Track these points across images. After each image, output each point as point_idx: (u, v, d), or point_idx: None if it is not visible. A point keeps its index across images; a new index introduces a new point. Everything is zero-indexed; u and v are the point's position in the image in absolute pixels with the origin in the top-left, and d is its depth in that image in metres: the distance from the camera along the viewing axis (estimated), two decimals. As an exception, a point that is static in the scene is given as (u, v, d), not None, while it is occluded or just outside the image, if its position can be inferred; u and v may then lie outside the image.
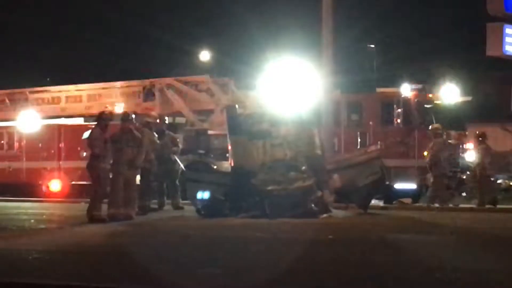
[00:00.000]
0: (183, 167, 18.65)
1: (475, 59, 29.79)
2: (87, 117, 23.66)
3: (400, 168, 20.03)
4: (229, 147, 16.93)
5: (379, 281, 7.61)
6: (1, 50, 42.21)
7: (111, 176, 14.80)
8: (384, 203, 19.08)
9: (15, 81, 28.38)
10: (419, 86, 21.08)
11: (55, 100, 24.65)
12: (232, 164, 16.69)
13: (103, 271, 8.26)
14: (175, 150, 18.32)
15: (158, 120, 19.11)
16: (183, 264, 8.64)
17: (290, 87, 17.02)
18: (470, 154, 20.24)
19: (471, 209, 18.33)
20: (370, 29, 36.62)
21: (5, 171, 24.32)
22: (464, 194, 20.20)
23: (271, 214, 14.78)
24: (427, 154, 18.88)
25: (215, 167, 21.10)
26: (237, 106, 18.33)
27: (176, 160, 18.32)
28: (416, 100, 20.47)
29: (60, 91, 24.85)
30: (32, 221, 15.50)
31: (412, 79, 22.37)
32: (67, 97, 24.48)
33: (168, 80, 23.14)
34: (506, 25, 19.37)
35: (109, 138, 14.77)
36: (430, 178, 18.93)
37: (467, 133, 21.46)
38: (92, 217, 14.33)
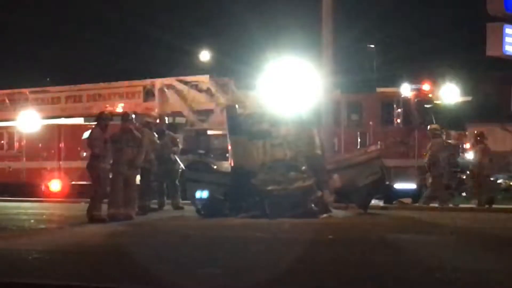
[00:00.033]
0: (183, 167, 18.65)
1: (475, 59, 29.78)
2: (87, 117, 23.68)
3: (400, 168, 20.03)
4: (229, 147, 16.93)
5: (379, 281, 7.61)
6: (1, 50, 42.25)
7: (111, 176, 14.80)
8: (384, 203, 19.07)
9: (15, 81, 28.38)
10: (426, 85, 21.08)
11: (55, 100, 24.64)
12: (232, 164, 16.69)
13: (103, 271, 8.26)
14: (175, 150, 18.33)
15: (158, 120, 19.11)
16: (183, 264, 8.64)
17: (290, 87, 17.02)
18: (470, 154, 20.26)
19: (471, 209, 18.33)
20: (370, 29, 36.64)
21: (5, 171, 24.34)
22: (464, 194, 20.20)
23: (271, 214, 14.77)
24: (426, 154, 18.90)
25: (215, 167, 21.10)
26: (237, 106, 18.32)
27: (176, 160, 18.32)
28: (416, 100, 20.48)
29: (60, 91, 24.85)
30: (32, 221, 15.50)
31: (413, 79, 22.31)
32: (67, 97, 24.48)
33: (168, 80, 23.14)
34: (506, 25, 19.36)
35: (109, 138, 14.77)
36: (428, 178, 18.94)
37: (467, 133, 21.47)
38: (92, 217, 14.33)
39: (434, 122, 19.86)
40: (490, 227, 14.12)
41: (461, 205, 18.96)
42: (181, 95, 22.51)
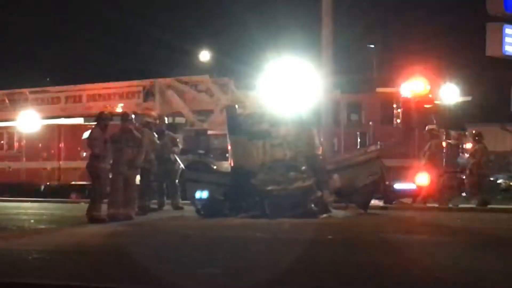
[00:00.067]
0: (183, 167, 18.65)
1: (475, 59, 29.78)
2: (86, 117, 23.69)
3: (400, 168, 20.03)
4: (229, 147, 16.93)
5: (379, 281, 7.61)
6: (1, 50, 42.26)
7: (111, 176, 14.80)
8: (384, 203, 19.07)
9: (15, 81, 28.40)
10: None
11: (54, 100, 24.64)
12: (232, 164, 16.68)
13: (103, 271, 8.26)
14: (175, 150, 18.33)
15: (158, 120, 19.11)
16: (183, 264, 8.64)
17: (290, 87, 17.02)
18: (468, 154, 20.29)
19: (471, 209, 18.33)
20: (370, 29, 36.64)
21: (5, 171, 24.35)
22: (464, 194, 20.21)
23: (271, 214, 14.77)
24: (424, 155, 18.93)
25: (214, 167, 21.10)
26: (237, 106, 18.33)
27: (176, 160, 18.33)
28: (416, 100, 20.48)
29: (60, 91, 24.85)
30: (32, 221, 15.51)
31: (413, 79, 22.28)
32: (66, 97, 24.47)
33: (168, 80, 23.14)
34: (506, 25, 19.38)
35: (109, 138, 14.77)
36: (426, 179, 18.95)
37: (467, 133, 21.48)
38: (92, 217, 14.33)
39: (435, 122, 19.87)
40: (490, 227, 14.12)
41: (461, 205, 18.96)
42: (181, 95, 22.51)
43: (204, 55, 42.49)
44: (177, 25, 41.62)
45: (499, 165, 27.96)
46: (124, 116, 15.67)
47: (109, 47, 42.22)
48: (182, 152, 19.40)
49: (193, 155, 21.48)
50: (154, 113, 20.99)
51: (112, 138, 14.85)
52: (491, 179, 20.23)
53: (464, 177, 19.97)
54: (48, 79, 37.21)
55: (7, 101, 25.23)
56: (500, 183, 24.86)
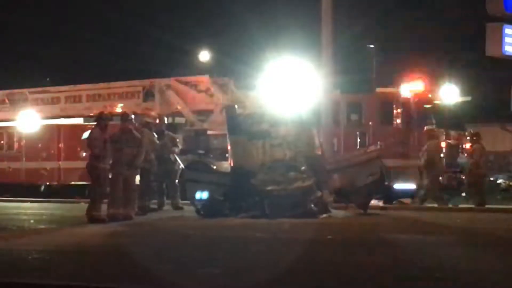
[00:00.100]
0: (183, 167, 18.64)
1: (475, 59, 29.79)
2: (86, 117, 23.69)
3: (400, 168, 20.04)
4: (229, 147, 16.93)
5: (379, 281, 7.61)
6: (1, 50, 42.26)
7: (110, 176, 14.80)
8: (384, 203, 19.08)
9: (15, 81, 28.41)
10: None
11: (54, 100, 24.63)
12: (232, 164, 16.68)
13: (103, 271, 8.26)
14: (175, 150, 18.33)
15: (157, 120, 19.10)
16: (183, 264, 8.64)
17: (289, 87, 17.03)
18: (466, 154, 20.31)
19: (470, 209, 18.33)
20: (370, 29, 36.64)
21: (4, 171, 24.35)
22: (463, 194, 20.22)
23: (270, 214, 14.78)
24: (422, 155, 18.94)
25: (214, 167, 21.09)
26: (236, 106, 18.33)
27: (176, 160, 18.33)
28: (415, 100, 20.49)
29: (59, 91, 24.84)
30: (32, 221, 15.51)
31: (413, 79, 22.30)
32: (66, 97, 24.46)
33: (168, 80, 23.13)
34: (505, 25, 19.38)
35: (108, 138, 14.77)
36: (424, 179, 18.97)
37: (466, 133, 21.49)
38: (92, 217, 14.33)
39: (434, 122, 19.87)
40: (490, 227, 14.12)
41: (461, 205, 18.96)
42: (180, 95, 22.50)
43: (204, 55, 42.50)
44: (177, 25, 41.64)
45: (499, 165, 27.99)
46: (123, 116, 15.67)
47: (109, 47, 42.25)
48: (182, 152, 19.40)
49: (192, 155, 21.47)
50: (153, 113, 20.99)
51: (112, 138, 14.85)
52: (491, 179, 20.23)
53: (463, 177, 20.00)
54: (48, 79, 37.23)
55: (7, 101, 25.22)
56: (500, 183, 24.87)
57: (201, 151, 22.01)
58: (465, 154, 20.50)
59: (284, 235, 12.18)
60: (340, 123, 20.70)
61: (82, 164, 17.27)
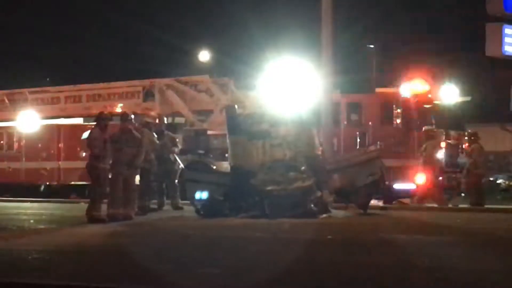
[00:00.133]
0: (183, 167, 18.64)
1: (475, 59, 29.79)
2: (86, 117, 23.68)
3: (400, 168, 20.04)
4: (229, 147, 16.92)
5: (379, 281, 7.61)
6: (1, 50, 42.26)
7: (110, 176, 14.80)
8: (384, 203, 19.08)
9: (15, 81, 28.41)
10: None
11: (54, 100, 24.64)
12: (232, 164, 16.68)
13: (103, 271, 8.26)
14: (174, 150, 18.33)
15: (157, 120, 19.09)
16: (183, 264, 8.64)
17: (289, 87, 17.02)
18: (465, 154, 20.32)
19: (470, 209, 18.33)
20: (370, 29, 36.65)
21: (4, 171, 24.35)
22: (463, 194, 20.22)
23: (270, 214, 14.78)
24: (420, 155, 18.94)
25: (214, 167, 21.09)
26: (236, 106, 18.33)
27: (176, 160, 18.33)
28: (415, 100, 20.49)
29: (59, 91, 24.84)
30: (32, 221, 15.50)
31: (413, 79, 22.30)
32: (66, 97, 24.47)
33: (168, 80, 23.14)
34: (505, 25, 19.39)
35: (108, 138, 14.76)
36: (423, 179, 18.97)
37: (466, 133, 21.49)
38: (92, 217, 14.32)
39: (434, 122, 19.87)
40: (490, 227, 14.12)
41: (461, 205, 18.96)
42: (181, 95, 22.50)
43: (204, 55, 42.49)
44: (177, 25, 41.66)
45: (499, 165, 27.99)
46: (123, 116, 15.66)
47: (109, 47, 42.29)
48: (182, 152, 19.40)
49: (192, 155, 21.48)
50: (153, 113, 20.98)
51: (112, 138, 14.85)
52: (491, 179, 20.24)
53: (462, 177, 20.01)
54: (48, 79, 37.23)
55: (7, 101, 25.23)
56: (499, 183, 24.88)
57: (201, 151, 22.01)
58: (464, 154, 20.51)
59: (284, 235, 12.18)
60: (340, 123, 20.70)
61: (82, 164, 17.27)
